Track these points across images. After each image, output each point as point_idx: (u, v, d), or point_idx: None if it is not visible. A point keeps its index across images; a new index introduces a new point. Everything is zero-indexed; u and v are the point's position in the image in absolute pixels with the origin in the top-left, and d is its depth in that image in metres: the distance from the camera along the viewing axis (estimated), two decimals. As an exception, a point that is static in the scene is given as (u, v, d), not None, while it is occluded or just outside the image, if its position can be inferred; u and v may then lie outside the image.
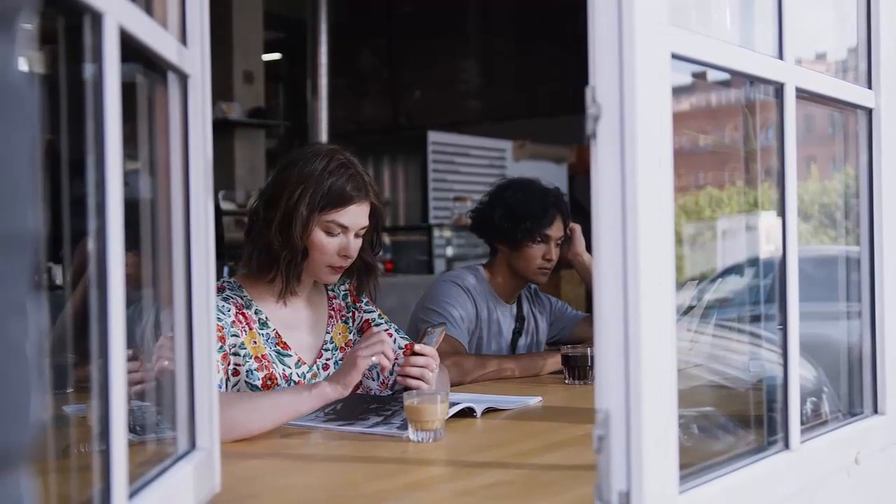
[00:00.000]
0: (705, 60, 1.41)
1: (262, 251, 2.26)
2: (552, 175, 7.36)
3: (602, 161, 1.22)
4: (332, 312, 2.44)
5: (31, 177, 0.60)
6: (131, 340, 1.09)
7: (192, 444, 1.40)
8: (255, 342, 2.24)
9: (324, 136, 9.33)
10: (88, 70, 1.04)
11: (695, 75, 1.53)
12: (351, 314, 2.48)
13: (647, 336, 1.20)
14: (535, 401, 2.41)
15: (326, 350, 2.39)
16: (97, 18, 1.02)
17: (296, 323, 2.35)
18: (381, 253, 2.41)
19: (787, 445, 1.56)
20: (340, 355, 2.40)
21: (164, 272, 1.41)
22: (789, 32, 1.57)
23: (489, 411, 2.23)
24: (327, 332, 2.41)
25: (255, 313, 2.28)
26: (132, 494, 1.12)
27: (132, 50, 1.14)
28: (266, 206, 2.26)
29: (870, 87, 1.86)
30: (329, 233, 2.25)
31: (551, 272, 3.16)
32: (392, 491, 1.57)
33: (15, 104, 0.58)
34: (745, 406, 1.83)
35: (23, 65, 0.60)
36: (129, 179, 1.12)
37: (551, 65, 9.52)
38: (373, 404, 2.19)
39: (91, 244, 1.04)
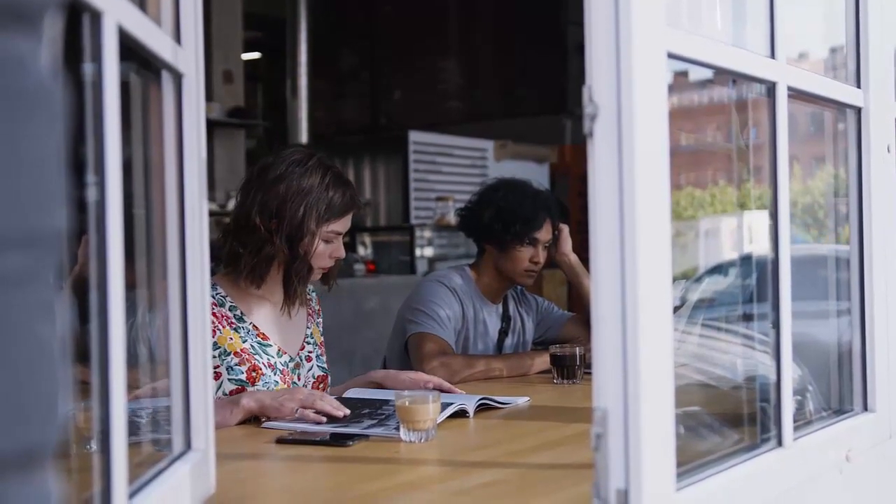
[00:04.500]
0: (700, 59, 1.41)
1: (265, 262, 2.31)
2: (534, 175, 7.36)
3: (599, 160, 1.22)
4: (310, 310, 2.54)
5: (59, 176, 0.60)
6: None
7: (188, 445, 1.39)
8: (231, 338, 2.29)
9: (304, 137, 9.29)
10: (87, 69, 1.03)
11: (677, 73, 1.53)
12: (320, 320, 2.59)
13: (645, 334, 1.20)
14: (523, 401, 2.41)
15: (308, 343, 2.48)
16: (96, 17, 1.01)
17: (276, 317, 2.42)
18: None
19: (780, 443, 1.57)
20: (319, 350, 2.51)
21: (157, 273, 1.40)
22: (781, 32, 1.58)
23: (482, 409, 2.24)
24: (308, 327, 2.50)
25: (230, 310, 2.34)
26: (131, 495, 1.11)
27: (127, 48, 1.14)
28: (264, 216, 2.28)
29: (858, 87, 1.87)
30: (326, 241, 2.35)
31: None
32: (388, 491, 1.57)
33: (43, 103, 0.58)
34: (736, 405, 1.84)
35: (50, 63, 0.60)
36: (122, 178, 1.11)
37: (532, 65, 9.55)
38: (364, 409, 2.19)
39: (91, 244, 1.03)
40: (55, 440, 0.60)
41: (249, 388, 2.26)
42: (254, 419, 2.14)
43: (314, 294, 2.59)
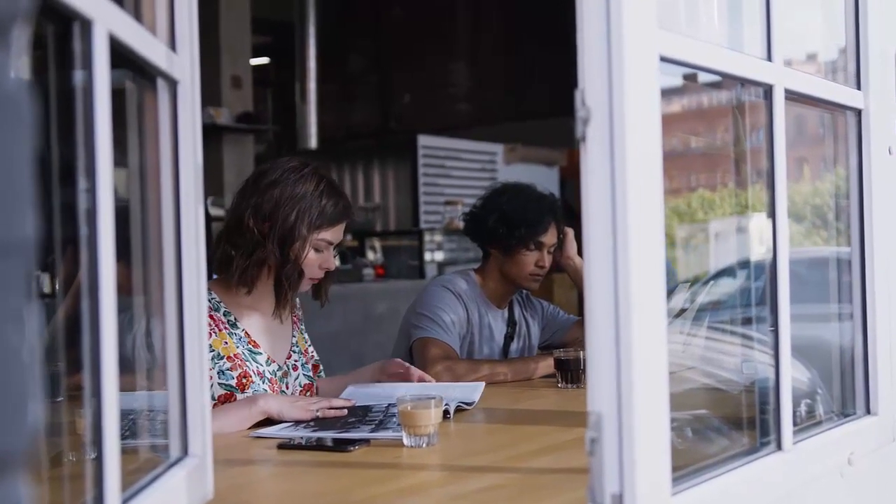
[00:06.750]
0: (694, 63, 1.41)
1: (256, 265, 2.34)
2: (543, 178, 7.37)
3: (592, 164, 1.22)
4: (295, 319, 2.56)
5: (29, 184, 0.60)
6: (122, 349, 1.09)
7: (185, 451, 1.40)
8: (225, 343, 2.33)
9: (313, 141, 9.30)
10: (78, 76, 1.04)
11: (686, 77, 1.53)
12: (304, 326, 2.61)
13: (639, 338, 1.20)
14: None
15: (294, 352, 2.51)
16: (86, 25, 1.02)
17: (265, 326, 2.44)
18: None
19: (779, 446, 1.56)
20: (304, 359, 2.53)
21: (154, 280, 1.40)
22: (777, 34, 1.57)
23: (459, 410, 2.27)
24: (293, 336, 2.53)
25: (224, 315, 2.37)
26: (125, 501, 1.11)
27: (120, 56, 1.14)
28: (257, 219, 2.31)
29: (859, 88, 1.86)
30: (317, 250, 2.38)
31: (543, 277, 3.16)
32: (386, 496, 1.57)
33: (12, 112, 0.58)
34: (738, 408, 1.84)
35: (19, 72, 0.61)
36: (118, 187, 1.12)
37: (541, 67, 9.54)
38: (350, 417, 2.19)
39: (82, 252, 1.03)
40: (25, 447, 0.60)
41: (239, 395, 2.27)
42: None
43: (297, 300, 2.61)
